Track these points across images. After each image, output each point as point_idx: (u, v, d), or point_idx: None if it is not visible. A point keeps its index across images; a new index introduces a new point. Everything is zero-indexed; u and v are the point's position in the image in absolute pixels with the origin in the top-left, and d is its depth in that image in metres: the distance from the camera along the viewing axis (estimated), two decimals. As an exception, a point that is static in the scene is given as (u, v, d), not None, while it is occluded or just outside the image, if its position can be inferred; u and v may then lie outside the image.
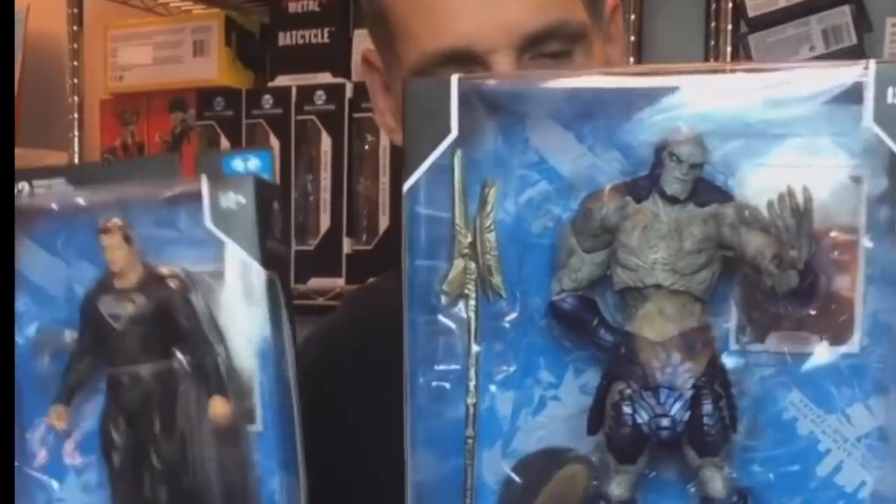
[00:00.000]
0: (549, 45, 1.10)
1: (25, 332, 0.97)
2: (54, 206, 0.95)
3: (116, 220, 0.91)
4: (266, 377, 0.90)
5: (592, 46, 1.13)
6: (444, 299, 0.75)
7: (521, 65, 1.08)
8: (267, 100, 2.58)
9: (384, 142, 2.43)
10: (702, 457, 0.73)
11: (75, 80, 2.78)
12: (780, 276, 0.71)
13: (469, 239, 0.74)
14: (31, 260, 0.95)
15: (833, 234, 0.74)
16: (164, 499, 0.92)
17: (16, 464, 0.96)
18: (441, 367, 0.75)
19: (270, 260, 0.90)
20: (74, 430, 0.96)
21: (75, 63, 2.78)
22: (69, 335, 0.95)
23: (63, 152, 2.78)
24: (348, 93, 2.52)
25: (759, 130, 0.73)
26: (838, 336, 0.75)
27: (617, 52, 1.22)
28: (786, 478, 0.75)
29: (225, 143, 2.60)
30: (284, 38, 2.66)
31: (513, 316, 0.75)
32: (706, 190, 0.73)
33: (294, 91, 2.57)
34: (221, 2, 2.81)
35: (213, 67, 2.72)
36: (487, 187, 0.74)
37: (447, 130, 0.73)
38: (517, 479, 0.77)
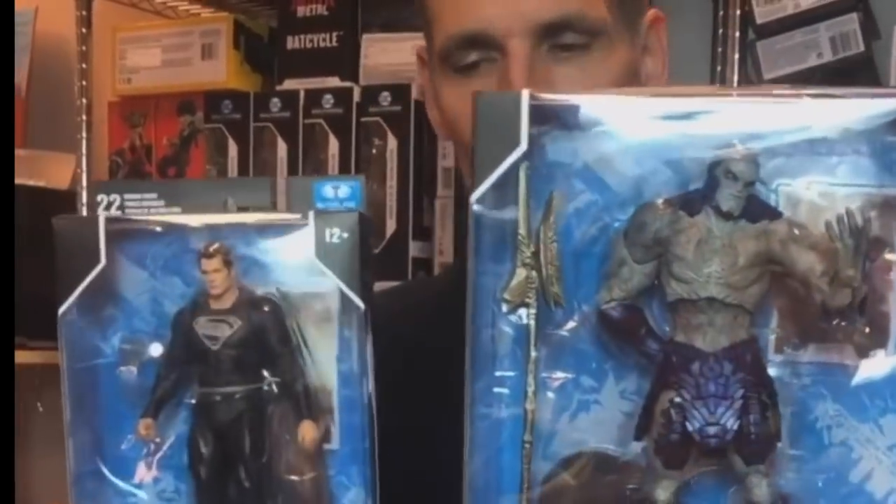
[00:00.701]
0: (565, 37, 1.15)
1: (111, 340, 0.98)
2: (145, 220, 0.97)
3: (219, 245, 0.94)
4: (344, 398, 0.93)
5: (613, 45, 1.17)
6: (504, 307, 0.77)
7: (537, 54, 1.14)
8: (275, 103, 2.60)
9: (391, 145, 2.45)
10: (749, 464, 0.77)
11: (83, 83, 2.79)
12: (833, 293, 0.75)
13: (532, 249, 0.77)
14: (118, 270, 0.96)
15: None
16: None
17: (94, 468, 0.98)
18: (499, 373, 0.78)
19: (365, 292, 0.93)
20: (159, 442, 0.98)
21: (83, 65, 2.79)
22: (154, 348, 0.97)
23: (71, 154, 2.80)
24: (356, 97, 2.54)
25: (804, 150, 0.76)
26: (875, 350, 0.78)
27: (656, 65, 1.26)
28: (820, 484, 0.79)
29: (233, 146, 2.61)
30: (293, 42, 2.68)
31: (570, 325, 0.78)
32: (757, 207, 0.76)
33: (302, 95, 2.59)
34: (230, 5, 2.83)
35: (222, 70, 2.73)
36: (552, 199, 0.77)
37: (516, 143, 0.76)
38: (557, 479, 0.80)
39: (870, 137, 0.76)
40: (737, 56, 2.28)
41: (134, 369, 0.98)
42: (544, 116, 0.76)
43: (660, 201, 0.77)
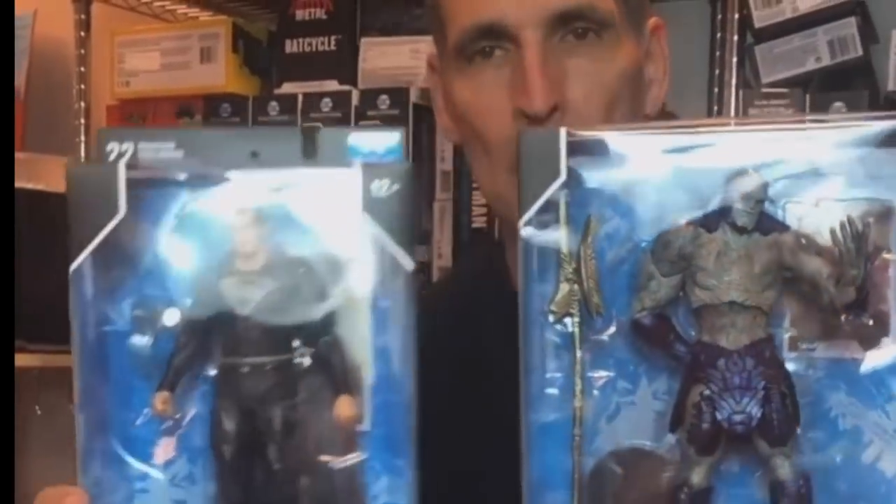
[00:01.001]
0: (576, 25, 1.19)
1: (120, 306, 0.89)
2: (160, 170, 0.88)
3: (253, 202, 0.87)
4: (379, 374, 0.88)
5: (621, 40, 1.21)
6: (551, 318, 0.85)
7: (549, 45, 1.17)
8: (273, 107, 2.62)
9: (390, 149, 2.46)
10: (772, 447, 0.84)
11: (82, 86, 2.82)
12: (839, 292, 0.83)
13: (573, 266, 0.85)
14: (137, 224, 0.88)
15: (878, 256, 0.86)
16: (278, 498, 0.88)
17: (104, 446, 0.89)
18: (549, 375, 0.86)
19: (413, 252, 0.87)
20: (178, 418, 0.90)
21: (82, 68, 2.82)
22: (170, 315, 0.89)
23: (69, 157, 2.81)
24: (354, 100, 2.56)
25: (805, 172, 0.85)
26: (878, 342, 0.86)
27: (658, 71, 1.30)
28: (836, 465, 0.86)
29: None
30: (291, 46, 2.71)
31: (609, 331, 0.86)
32: (767, 222, 0.85)
33: (300, 98, 2.61)
34: (229, 9, 2.85)
35: (220, 74, 2.76)
36: (589, 222, 0.85)
37: (557, 174, 0.84)
38: (606, 471, 0.87)
39: (862, 156, 0.84)
40: (735, 60, 2.30)
41: (148, 337, 0.89)
42: (579, 150, 0.85)
43: (682, 222, 0.85)
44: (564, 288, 0.85)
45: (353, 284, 0.87)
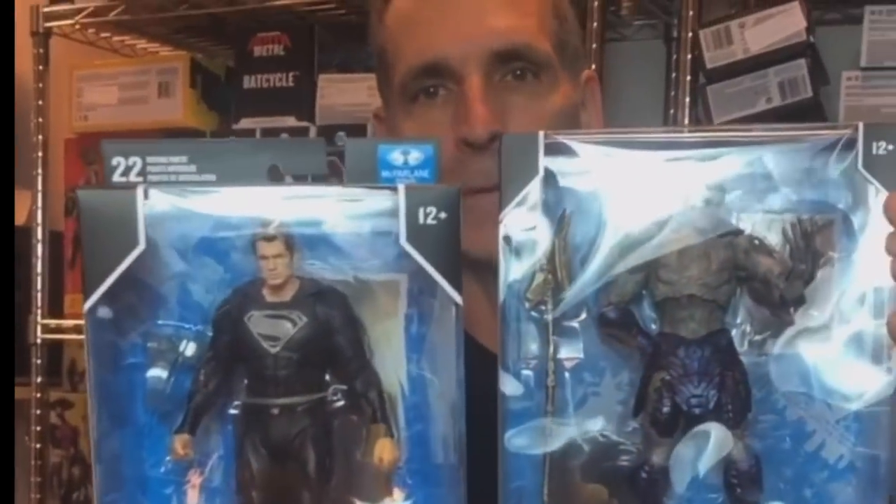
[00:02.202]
0: (515, 65, 1.28)
1: (131, 337, 0.85)
2: (179, 198, 0.83)
3: (281, 226, 0.82)
4: (411, 405, 0.85)
5: (559, 81, 1.30)
6: (527, 304, 0.92)
7: (490, 84, 1.26)
8: (231, 142, 2.63)
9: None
10: (727, 429, 0.92)
11: (40, 119, 2.85)
12: (789, 287, 0.92)
13: (548, 257, 0.91)
14: (146, 260, 0.84)
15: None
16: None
17: (123, 495, 0.85)
18: (525, 357, 0.93)
19: (460, 283, 0.84)
20: (197, 459, 0.86)
21: (40, 102, 2.85)
22: (187, 347, 0.85)
23: (27, 191, 2.85)
24: (312, 136, 2.59)
25: (757, 181, 0.93)
26: (822, 338, 0.94)
27: (592, 120, 1.40)
28: (783, 451, 0.95)
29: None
30: (249, 81, 2.74)
31: (579, 319, 0.94)
32: (724, 224, 0.93)
33: (258, 133, 2.66)
34: (188, 44, 2.91)
35: (178, 109, 2.79)
36: (564, 217, 0.92)
37: (535, 172, 0.90)
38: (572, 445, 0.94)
39: (808, 166, 0.92)
40: (688, 100, 2.33)
41: (168, 373, 0.85)
42: (554, 152, 0.91)
43: (647, 221, 0.92)
44: (539, 277, 0.91)
45: (392, 317, 0.84)
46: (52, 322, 2.85)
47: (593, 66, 2.28)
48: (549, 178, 0.91)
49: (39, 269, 2.85)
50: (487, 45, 1.25)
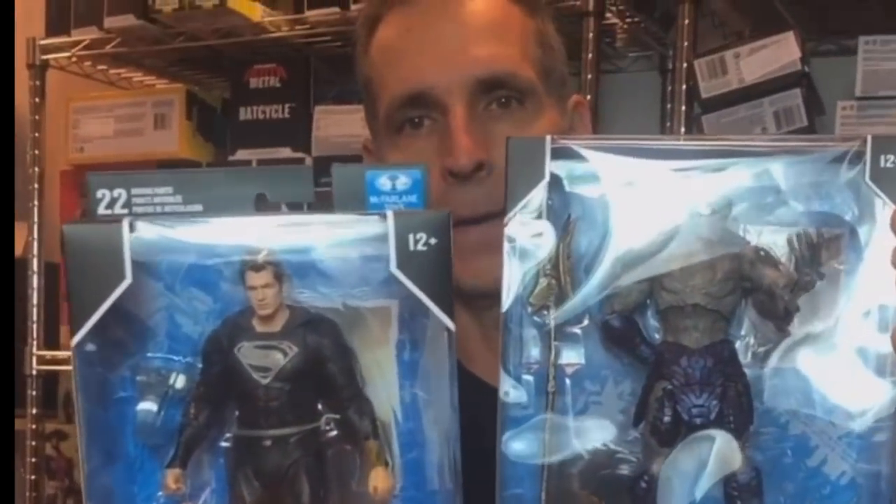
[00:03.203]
0: (499, 93, 1.29)
1: (120, 371, 0.85)
2: (164, 228, 0.82)
3: (269, 255, 0.81)
4: (405, 431, 0.85)
5: (544, 107, 1.32)
6: (530, 309, 0.93)
7: (474, 113, 1.28)
8: (227, 173, 2.64)
9: (344, 216, 2.51)
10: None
11: (36, 151, 2.88)
12: (794, 299, 0.93)
13: (552, 262, 0.92)
14: (133, 294, 0.83)
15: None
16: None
17: None
18: (526, 361, 0.93)
19: (451, 310, 0.83)
20: (189, 493, 0.85)
21: (36, 134, 2.87)
22: (177, 380, 0.84)
23: (23, 223, 2.85)
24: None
25: (763, 194, 0.94)
26: (825, 352, 0.95)
27: None
28: (784, 466, 0.95)
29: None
30: (245, 113, 2.77)
31: (581, 325, 0.94)
32: (729, 235, 0.94)
33: (254, 165, 2.67)
34: (184, 76, 2.93)
35: (174, 140, 2.81)
36: (569, 222, 0.93)
37: (541, 177, 0.92)
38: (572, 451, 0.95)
39: (816, 179, 0.93)
40: (683, 129, 2.35)
41: (158, 407, 0.84)
42: (560, 156, 0.92)
43: (653, 233, 0.93)
44: (543, 282, 0.92)
45: (384, 345, 0.84)
46: (48, 353, 2.87)
47: (588, 97, 2.29)
48: (555, 182, 0.92)
49: (35, 301, 2.87)
50: (471, 73, 1.27)
